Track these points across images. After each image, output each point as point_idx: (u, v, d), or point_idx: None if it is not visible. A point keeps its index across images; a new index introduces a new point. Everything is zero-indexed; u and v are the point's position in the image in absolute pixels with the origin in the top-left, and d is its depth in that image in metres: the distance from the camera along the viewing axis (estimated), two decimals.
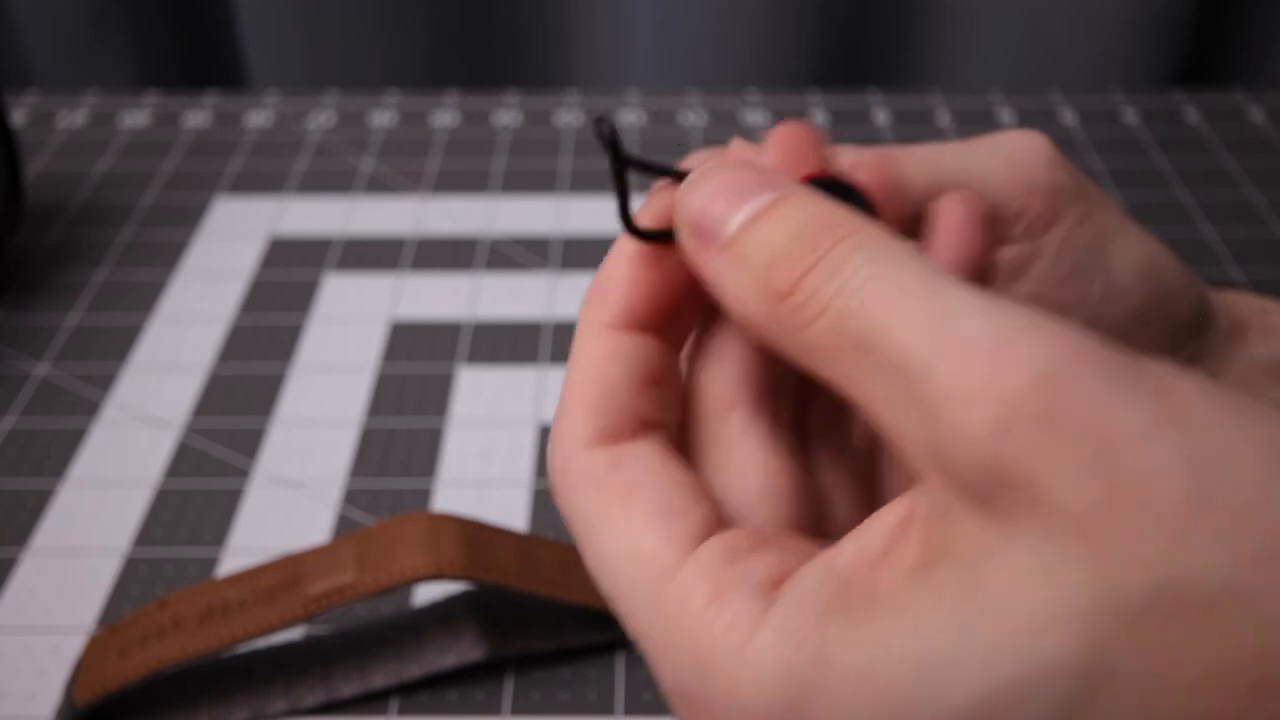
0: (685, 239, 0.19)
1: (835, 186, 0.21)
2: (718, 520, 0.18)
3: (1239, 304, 0.32)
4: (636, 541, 0.18)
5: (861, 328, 0.16)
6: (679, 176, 0.20)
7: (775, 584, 0.17)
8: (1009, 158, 0.28)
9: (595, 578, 0.19)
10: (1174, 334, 0.30)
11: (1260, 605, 0.14)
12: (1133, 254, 0.29)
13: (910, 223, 0.28)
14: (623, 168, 0.19)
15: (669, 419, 0.20)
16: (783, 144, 0.23)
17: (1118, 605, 0.14)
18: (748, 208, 0.18)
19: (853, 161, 0.26)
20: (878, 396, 0.16)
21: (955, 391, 0.15)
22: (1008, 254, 0.28)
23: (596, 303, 0.20)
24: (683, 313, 0.21)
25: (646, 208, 0.20)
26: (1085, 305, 0.29)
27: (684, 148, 0.60)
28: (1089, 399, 0.14)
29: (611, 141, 0.19)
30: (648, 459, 0.19)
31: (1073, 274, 0.28)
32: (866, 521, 0.17)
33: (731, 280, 0.18)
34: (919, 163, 0.27)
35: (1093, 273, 0.28)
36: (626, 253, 0.20)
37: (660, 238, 0.20)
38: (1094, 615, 0.14)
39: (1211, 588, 0.14)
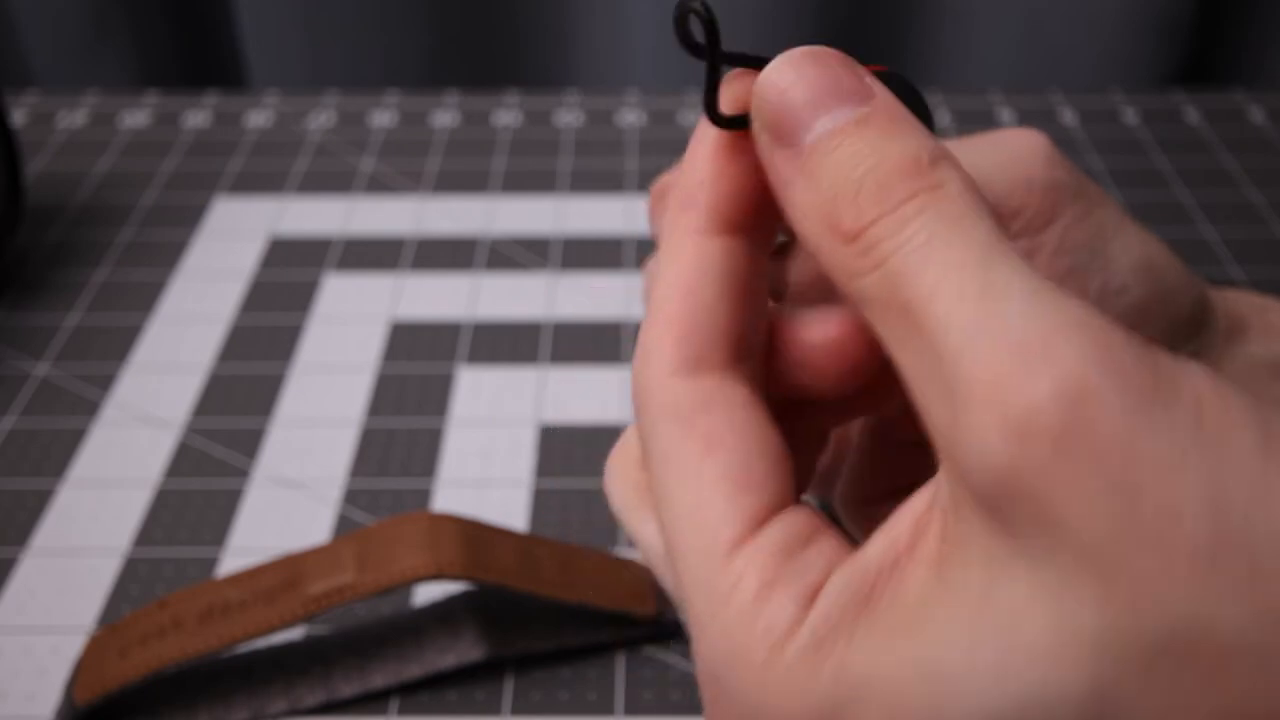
0: (759, 131, 0.17)
1: (903, 87, 0.19)
2: (787, 495, 0.18)
3: (1239, 302, 0.32)
4: (705, 504, 0.17)
5: (910, 293, 0.15)
6: (736, 60, 0.18)
7: (818, 588, 0.17)
8: (1008, 155, 0.28)
9: (657, 511, 0.18)
10: (1173, 332, 0.30)
11: (1275, 664, 0.13)
12: (1132, 252, 0.29)
13: None
14: (717, 48, 0.17)
15: (760, 340, 0.19)
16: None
17: (1128, 643, 0.14)
18: (833, 115, 0.17)
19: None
20: (912, 367, 0.15)
21: (980, 386, 0.14)
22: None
23: (683, 205, 0.19)
24: (771, 211, 0.19)
25: (725, 91, 0.18)
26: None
27: (684, 147, 0.60)
28: (1117, 419, 0.14)
29: (708, 19, 0.17)
30: (735, 409, 0.18)
31: (1071, 271, 0.28)
32: (897, 511, 0.17)
33: (800, 195, 0.17)
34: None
35: (1092, 270, 0.28)
36: (709, 146, 0.18)
37: (744, 124, 0.18)
38: (1102, 649, 0.14)
39: (1227, 640, 0.13)
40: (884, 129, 0.16)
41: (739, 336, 0.18)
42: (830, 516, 0.21)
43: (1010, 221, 0.28)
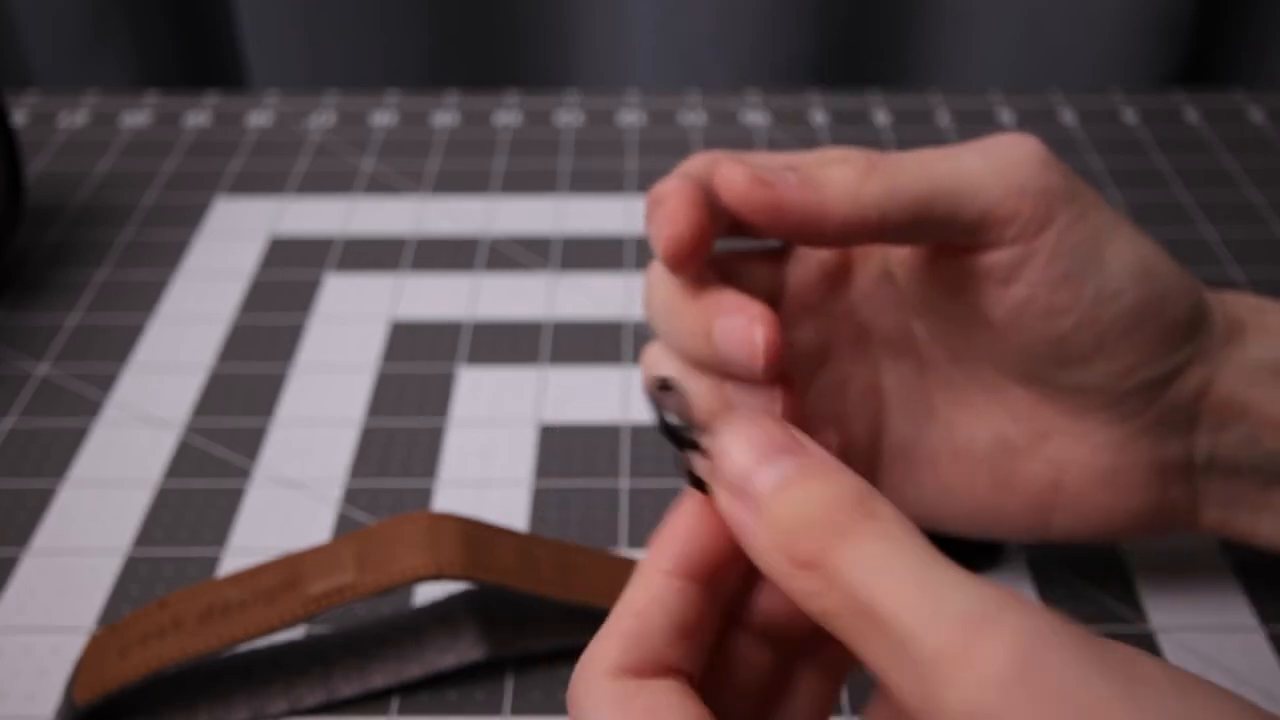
0: (717, 491, 0.21)
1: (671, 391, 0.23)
2: None
3: (1236, 305, 0.31)
4: None
5: (868, 600, 0.18)
6: (692, 445, 0.22)
7: None
8: (1000, 162, 0.28)
9: None
10: (1168, 336, 0.30)
11: None
12: (1127, 256, 0.29)
13: (906, 229, 0.28)
14: (674, 431, 0.22)
15: (695, 669, 0.21)
16: (678, 208, 0.26)
17: None
18: (775, 471, 0.20)
19: (727, 180, 0.27)
20: (878, 655, 0.18)
21: (943, 655, 0.17)
22: (1000, 257, 0.28)
23: (656, 548, 0.22)
24: (732, 567, 0.22)
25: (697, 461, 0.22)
26: (1078, 308, 0.29)
27: (684, 147, 0.60)
28: (1062, 667, 0.16)
29: (659, 409, 0.22)
30: (668, 693, 0.20)
31: (1066, 277, 0.28)
32: None
33: (760, 538, 0.20)
34: (910, 171, 0.28)
35: (1087, 276, 0.28)
36: (689, 506, 0.22)
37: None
38: None
39: None
40: (821, 475, 0.20)
41: (674, 660, 0.21)
42: None
43: (1003, 229, 0.28)
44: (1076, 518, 0.32)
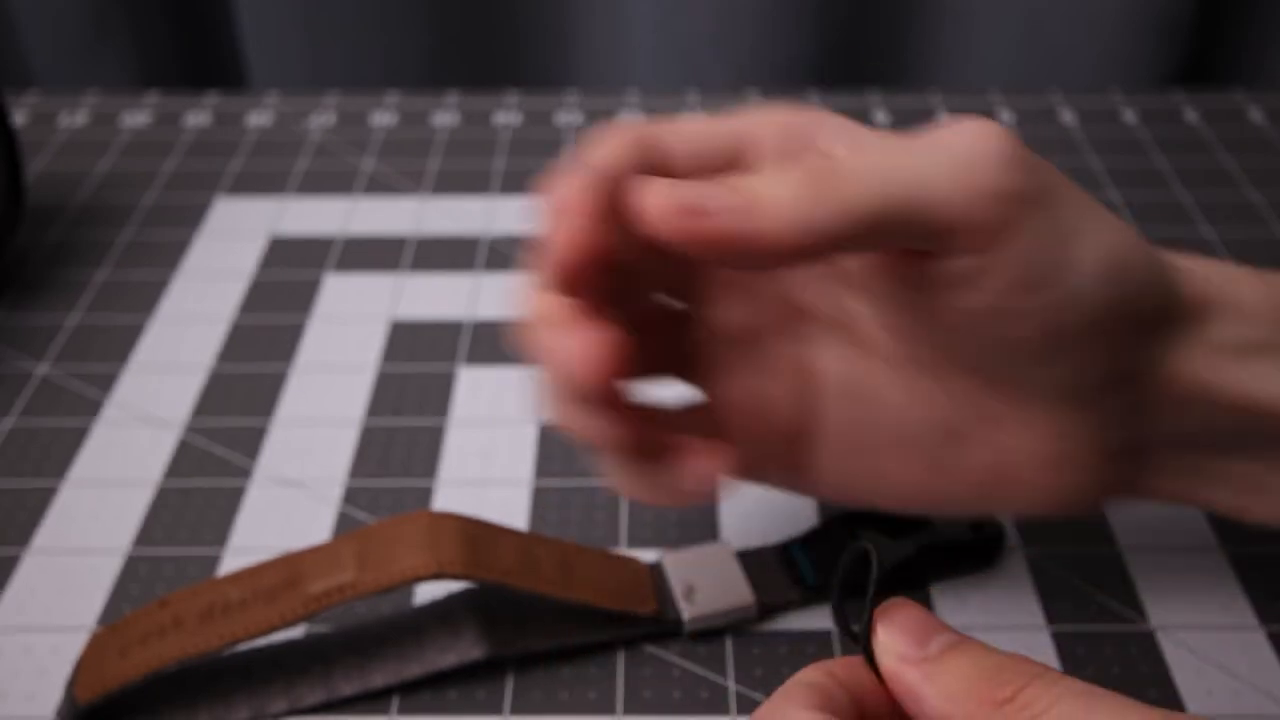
0: (883, 657, 0.23)
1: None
2: None
3: (1208, 281, 0.29)
4: None
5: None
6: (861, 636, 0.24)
7: None
8: (960, 164, 0.26)
9: None
10: (1133, 332, 0.28)
11: None
12: (1096, 254, 0.27)
13: (853, 248, 0.26)
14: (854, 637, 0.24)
15: None
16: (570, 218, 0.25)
17: None
18: (938, 641, 0.23)
19: (650, 206, 0.24)
20: None
21: None
22: (957, 265, 0.26)
23: (805, 685, 0.23)
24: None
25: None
26: (1039, 313, 0.27)
27: None
28: None
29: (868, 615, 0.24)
30: None
31: (1028, 284, 0.26)
32: None
33: (937, 689, 0.22)
34: (862, 182, 0.25)
35: (1052, 280, 0.26)
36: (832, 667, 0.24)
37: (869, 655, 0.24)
38: None
39: None
40: (987, 645, 0.23)
41: None
42: None
43: (962, 237, 0.26)
44: (1018, 498, 0.30)
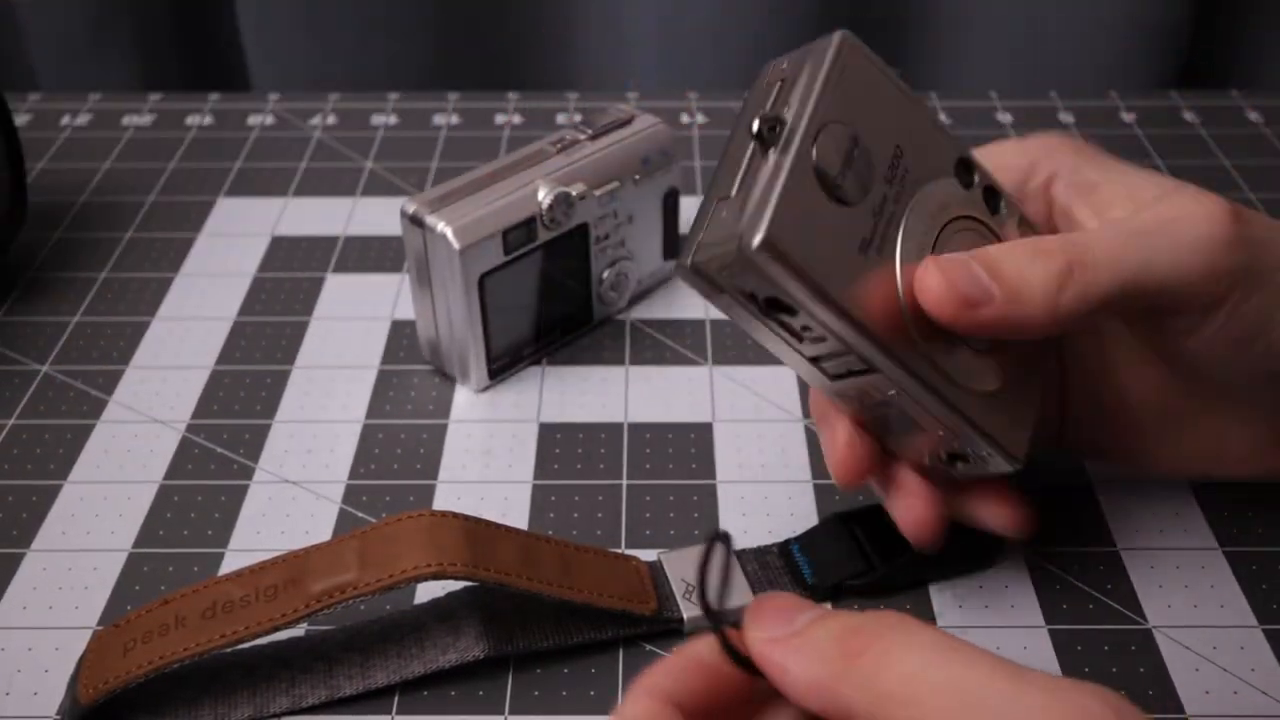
0: (755, 642, 0.23)
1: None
2: None
3: None
4: None
5: (941, 676, 0.21)
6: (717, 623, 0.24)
7: None
8: (1191, 245, 0.29)
9: None
10: None
11: None
12: None
13: (1098, 321, 0.30)
14: (713, 615, 0.24)
15: None
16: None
17: None
18: (803, 616, 0.23)
19: (926, 291, 0.28)
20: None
21: (1045, 712, 0.20)
22: (1180, 321, 0.30)
23: (660, 674, 0.24)
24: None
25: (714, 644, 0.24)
26: (1246, 359, 0.31)
27: (685, 147, 0.60)
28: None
29: (704, 600, 0.24)
30: None
31: (1239, 338, 0.30)
32: None
33: (800, 658, 0.23)
34: (1105, 267, 0.29)
35: (1258, 334, 0.30)
36: (692, 654, 0.25)
37: (745, 664, 0.24)
38: None
39: None
40: (834, 613, 0.24)
41: None
42: None
43: (1189, 305, 0.30)
44: (1246, 468, 0.35)
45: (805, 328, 0.28)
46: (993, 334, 0.29)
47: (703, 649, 0.25)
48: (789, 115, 0.28)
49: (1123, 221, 0.30)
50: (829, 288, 0.27)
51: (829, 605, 0.35)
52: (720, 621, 0.24)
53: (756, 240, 0.26)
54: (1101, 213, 0.32)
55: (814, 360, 0.29)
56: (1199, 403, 0.34)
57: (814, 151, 0.27)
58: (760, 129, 0.27)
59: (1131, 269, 0.29)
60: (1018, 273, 0.28)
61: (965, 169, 0.31)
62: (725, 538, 0.24)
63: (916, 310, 0.29)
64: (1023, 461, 0.31)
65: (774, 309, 0.28)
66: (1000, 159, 0.34)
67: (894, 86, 0.30)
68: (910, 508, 0.33)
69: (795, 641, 0.23)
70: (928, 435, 0.31)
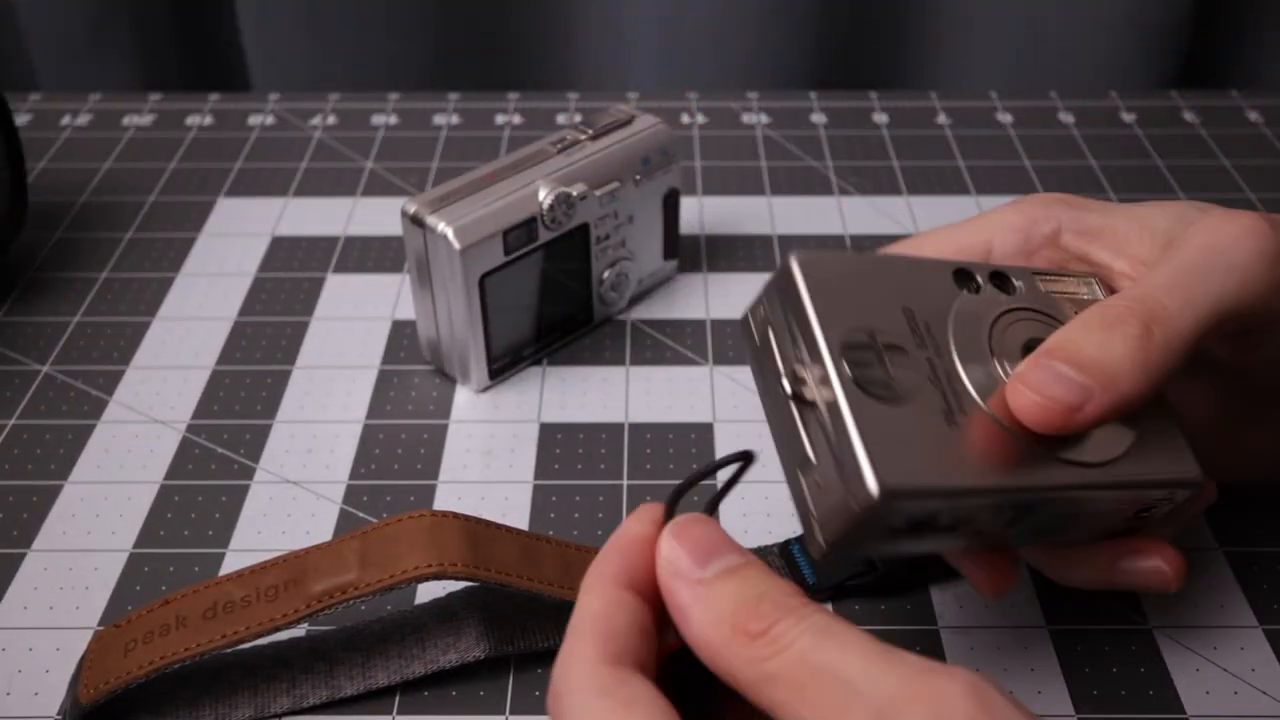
0: (661, 571, 0.24)
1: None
2: None
3: None
4: None
5: (820, 658, 0.21)
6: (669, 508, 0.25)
7: None
8: (1247, 266, 0.29)
9: None
10: None
11: None
12: None
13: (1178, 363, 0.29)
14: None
15: (651, 673, 0.24)
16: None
17: None
18: (724, 559, 0.24)
19: (1023, 411, 0.28)
20: (821, 704, 0.21)
21: (901, 695, 0.20)
22: (1248, 339, 0.31)
23: (613, 559, 0.25)
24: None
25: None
26: None
27: (685, 146, 0.60)
28: (1004, 703, 0.21)
29: (680, 486, 0.25)
30: (646, 686, 0.23)
31: None
32: None
33: (701, 611, 0.23)
34: (1180, 318, 0.29)
35: None
36: (636, 528, 0.25)
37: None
38: None
39: None
40: (759, 572, 0.24)
41: (640, 656, 0.24)
42: None
43: (1247, 324, 0.30)
44: None
45: (954, 521, 0.27)
46: (1102, 422, 0.28)
47: (641, 526, 0.25)
48: (807, 359, 0.27)
49: (1172, 262, 0.30)
50: (954, 481, 0.26)
51: (829, 606, 0.36)
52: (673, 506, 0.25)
53: (874, 494, 0.25)
54: (1121, 250, 0.32)
55: (976, 535, 0.29)
56: (1258, 407, 0.34)
57: (850, 374, 0.26)
58: (795, 391, 0.27)
59: (1206, 307, 0.29)
60: (1103, 354, 0.28)
61: (965, 277, 0.31)
62: (749, 457, 0.25)
63: (1029, 432, 0.28)
64: (1200, 474, 0.30)
65: (919, 527, 0.27)
66: (999, 220, 0.34)
67: (862, 264, 0.29)
68: (995, 569, 0.31)
69: (700, 590, 0.23)
70: (1105, 517, 0.30)
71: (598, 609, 0.24)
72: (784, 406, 0.27)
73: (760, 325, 0.29)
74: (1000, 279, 0.31)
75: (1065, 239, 0.33)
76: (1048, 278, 0.32)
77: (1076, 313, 0.30)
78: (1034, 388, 0.27)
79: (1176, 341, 0.28)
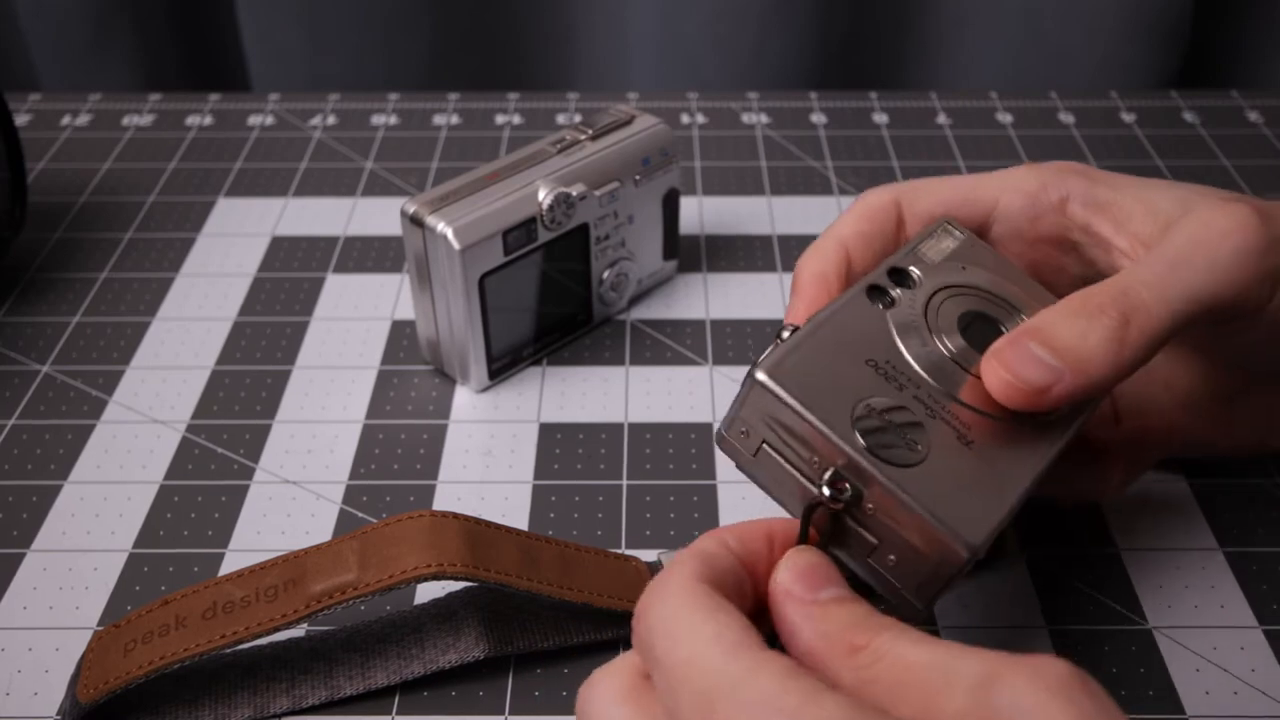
0: (778, 586, 0.26)
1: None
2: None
3: None
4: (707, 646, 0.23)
5: (916, 656, 0.23)
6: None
7: None
8: (1230, 262, 0.30)
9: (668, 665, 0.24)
10: None
11: None
12: None
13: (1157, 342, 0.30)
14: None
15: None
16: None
17: None
18: (831, 589, 0.25)
19: (998, 389, 0.29)
20: (915, 698, 0.22)
21: (998, 666, 0.22)
22: (1229, 327, 0.32)
23: (734, 536, 0.27)
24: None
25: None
26: None
27: (685, 146, 0.60)
28: (1099, 688, 0.21)
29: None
30: (735, 609, 0.24)
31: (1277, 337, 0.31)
32: None
33: (811, 628, 0.25)
34: (1157, 306, 0.29)
35: None
36: (768, 529, 0.27)
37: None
38: None
39: None
40: (855, 598, 0.25)
41: (740, 599, 0.26)
42: None
43: (1232, 314, 0.30)
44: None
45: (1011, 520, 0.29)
46: (1068, 404, 0.29)
47: (777, 526, 0.27)
48: (832, 462, 0.27)
49: (1157, 254, 0.31)
50: (1009, 497, 0.28)
51: None
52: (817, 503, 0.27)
53: (965, 555, 0.27)
54: (1122, 226, 0.33)
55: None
56: (1242, 385, 0.35)
57: (878, 458, 0.27)
58: (830, 496, 0.27)
59: (1181, 302, 0.29)
60: (1078, 341, 0.29)
61: (878, 293, 0.31)
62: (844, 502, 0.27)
63: (1013, 413, 0.29)
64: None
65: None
66: (1008, 181, 0.34)
67: (805, 343, 0.29)
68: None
69: (813, 609, 0.25)
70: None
71: (709, 547, 0.26)
72: (820, 509, 0.28)
73: (749, 446, 0.29)
74: (898, 275, 0.32)
75: (1072, 208, 0.34)
76: (923, 244, 0.33)
77: (966, 268, 0.33)
78: (1007, 366, 0.29)
79: (1152, 335, 0.29)
